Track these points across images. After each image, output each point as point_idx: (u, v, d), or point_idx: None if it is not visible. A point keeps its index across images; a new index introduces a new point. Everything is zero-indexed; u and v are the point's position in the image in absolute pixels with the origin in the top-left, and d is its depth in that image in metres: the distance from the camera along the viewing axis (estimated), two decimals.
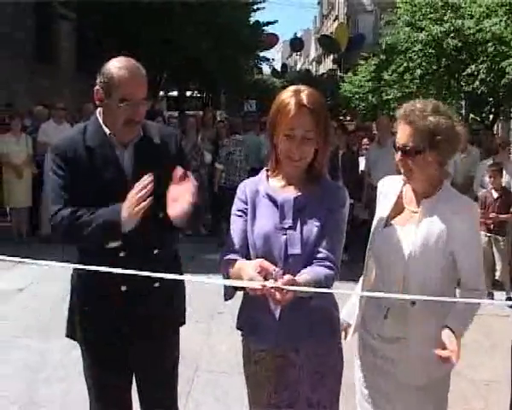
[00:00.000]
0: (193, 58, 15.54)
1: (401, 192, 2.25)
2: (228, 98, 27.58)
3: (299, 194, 2.06)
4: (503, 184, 6.39)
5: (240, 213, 2.12)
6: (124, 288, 2.18)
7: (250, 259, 2.03)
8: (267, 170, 2.18)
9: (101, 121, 2.22)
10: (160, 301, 2.26)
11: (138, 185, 2.02)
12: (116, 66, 2.13)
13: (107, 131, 2.20)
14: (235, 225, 2.11)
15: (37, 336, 4.62)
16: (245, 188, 2.16)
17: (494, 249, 6.11)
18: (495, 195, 6.18)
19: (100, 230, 2.07)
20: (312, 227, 2.02)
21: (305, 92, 2.01)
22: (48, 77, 14.79)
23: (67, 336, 2.37)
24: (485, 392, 3.96)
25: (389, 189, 2.29)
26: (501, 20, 11.84)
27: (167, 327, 2.34)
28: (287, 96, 2.01)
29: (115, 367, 2.29)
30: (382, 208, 2.27)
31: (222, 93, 24.87)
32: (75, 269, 2.30)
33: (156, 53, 15.11)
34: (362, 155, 8.24)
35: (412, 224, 2.14)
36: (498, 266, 6.08)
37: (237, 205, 2.14)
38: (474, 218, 2.18)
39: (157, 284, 2.22)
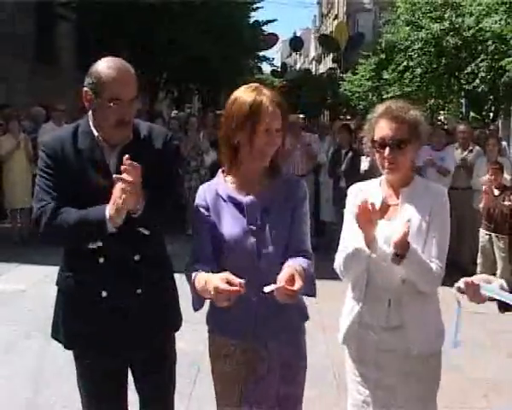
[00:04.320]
0: (194, 58, 15.53)
1: (383, 192, 2.31)
2: (228, 98, 27.56)
3: (263, 192, 2.06)
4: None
5: (202, 222, 2.08)
6: (104, 294, 2.11)
7: (220, 265, 1.99)
8: (223, 171, 2.15)
9: (91, 123, 2.18)
10: (145, 308, 2.16)
11: (121, 181, 1.96)
12: (104, 66, 2.09)
13: (95, 133, 2.17)
14: (200, 236, 2.08)
15: (39, 337, 4.62)
16: (204, 194, 2.12)
17: (495, 248, 6.11)
18: (496, 192, 6.17)
19: (84, 227, 2.03)
20: (280, 223, 2.04)
21: (267, 89, 2.06)
22: (48, 77, 14.75)
23: (52, 336, 2.33)
24: (486, 390, 3.96)
25: (367, 192, 2.33)
26: (501, 19, 11.84)
27: (157, 333, 2.26)
28: (253, 94, 2.03)
29: (101, 373, 2.22)
30: None
31: (222, 93, 24.84)
32: (60, 269, 2.26)
33: (157, 53, 15.11)
34: (363, 155, 8.20)
35: (396, 216, 2.22)
36: (499, 265, 6.07)
37: (199, 213, 2.10)
38: (447, 203, 2.29)
39: (139, 291, 2.16)
